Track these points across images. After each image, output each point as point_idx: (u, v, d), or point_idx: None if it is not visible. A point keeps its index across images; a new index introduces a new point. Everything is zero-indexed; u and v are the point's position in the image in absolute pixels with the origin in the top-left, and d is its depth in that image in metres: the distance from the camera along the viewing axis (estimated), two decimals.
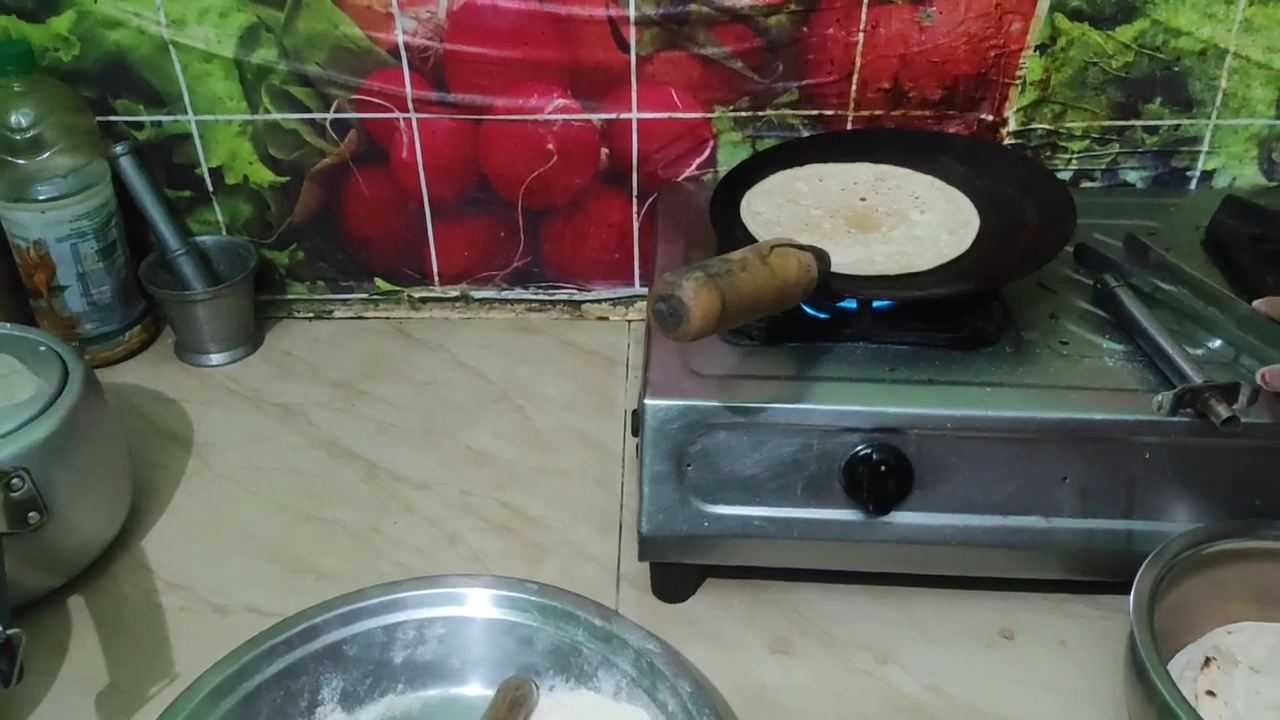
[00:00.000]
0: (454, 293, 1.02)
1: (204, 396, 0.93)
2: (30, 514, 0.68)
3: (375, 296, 1.02)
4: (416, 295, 1.02)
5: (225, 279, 0.97)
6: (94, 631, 0.72)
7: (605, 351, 0.98)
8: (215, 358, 0.97)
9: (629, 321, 1.02)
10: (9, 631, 0.55)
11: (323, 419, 0.91)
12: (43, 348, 0.75)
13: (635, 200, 0.96)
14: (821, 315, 0.74)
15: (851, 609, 0.73)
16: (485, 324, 1.02)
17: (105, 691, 0.68)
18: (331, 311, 1.03)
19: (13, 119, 0.84)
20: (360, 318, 1.03)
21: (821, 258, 0.65)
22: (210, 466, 0.86)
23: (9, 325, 0.77)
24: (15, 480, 0.67)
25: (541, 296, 1.02)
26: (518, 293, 1.02)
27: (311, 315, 1.03)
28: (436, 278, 1.01)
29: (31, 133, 0.85)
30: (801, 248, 0.63)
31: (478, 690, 0.67)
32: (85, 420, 0.73)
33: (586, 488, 0.84)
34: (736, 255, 0.60)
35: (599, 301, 1.02)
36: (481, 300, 1.02)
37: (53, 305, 0.91)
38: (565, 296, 1.02)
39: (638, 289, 1.01)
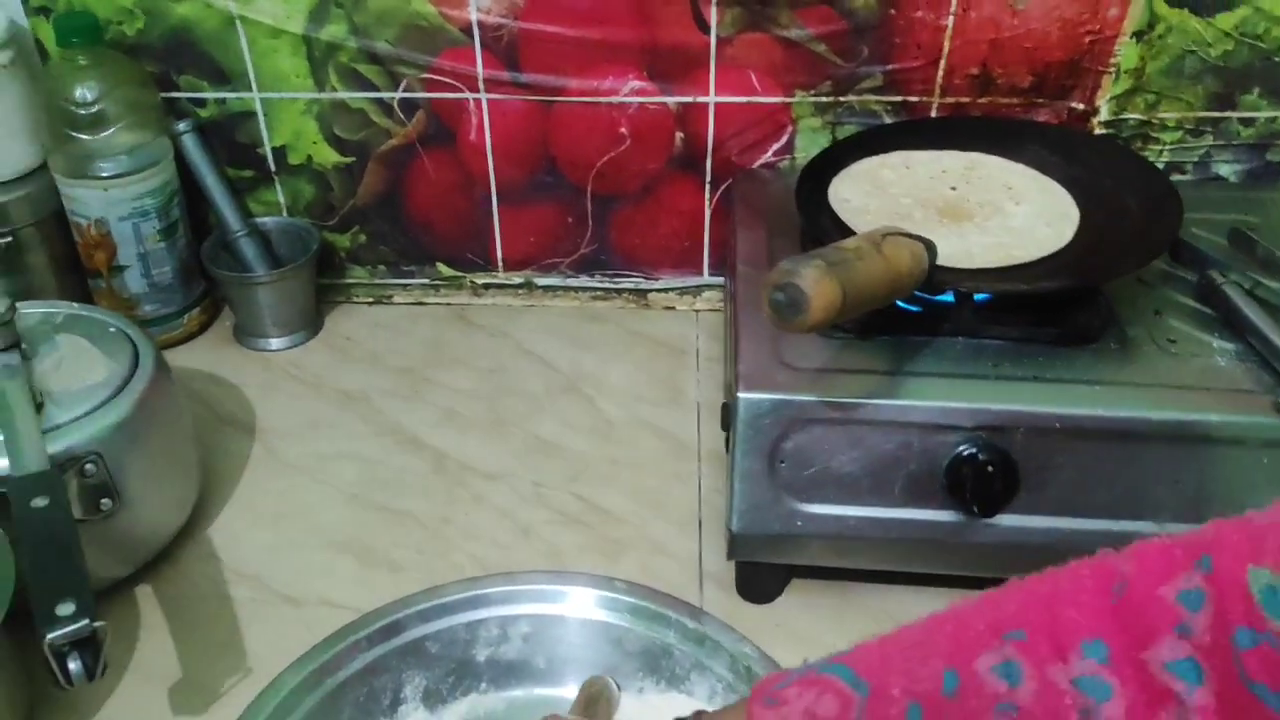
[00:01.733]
0: (518, 279, 0.99)
1: (265, 381, 0.91)
2: (103, 500, 0.66)
3: (437, 282, 1.00)
4: (479, 281, 1.00)
5: (285, 261, 0.95)
6: (164, 622, 0.70)
7: (674, 342, 0.96)
8: (275, 342, 0.94)
9: (696, 311, 1.00)
10: (95, 624, 0.53)
11: (387, 406, 0.88)
12: (112, 328, 0.73)
13: (708, 187, 0.93)
14: (914, 309, 0.71)
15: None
16: (548, 311, 1.00)
17: (178, 685, 0.66)
18: (391, 296, 1.01)
19: (77, 93, 0.82)
20: (420, 303, 1.01)
21: (930, 248, 0.63)
22: (275, 453, 0.84)
23: (77, 305, 0.75)
24: (89, 465, 0.65)
25: (607, 285, 1.00)
26: (583, 280, 0.99)
27: (371, 300, 1.01)
28: (500, 264, 0.99)
29: (95, 108, 0.83)
30: (912, 237, 0.61)
31: (564, 691, 0.64)
32: (156, 404, 0.71)
33: (663, 481, 0.81)
34: (850, 243, 0.57)
35: (666, 291, 1.00)
36: (545, 287, 1.00)
37: (112, 285, 0.89)
38: (631, 285, 0.99)
39: (706, 279, 0.98)
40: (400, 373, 0.92)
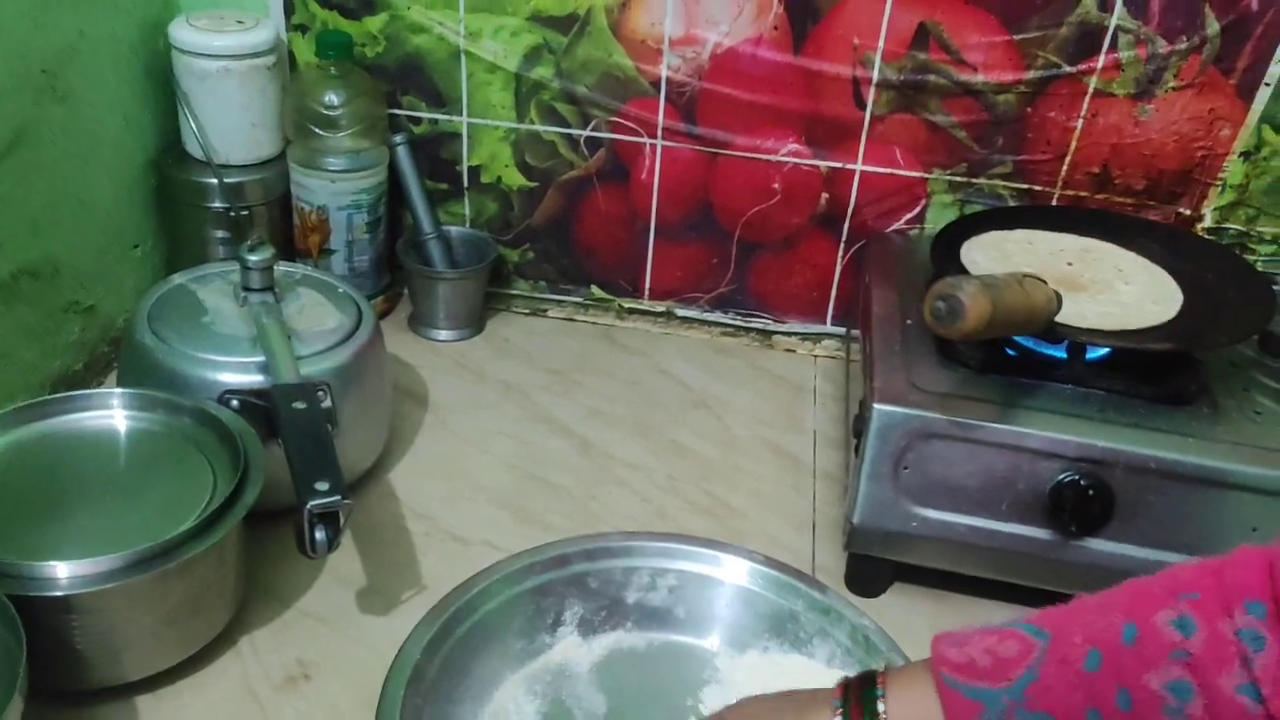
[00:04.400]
0: (660, 308, 1.12)
1: (435, 365, 1.03)
2: (328, 425, 0.77)
3: (588, 302, 1.12)
4: (625, 306, 1.12)
5: (464, 265, 1.08)
6: (352, 540, 0.81)
7: (794, 379, 1.07)
8: (444, 334, 1.07)
9: (815, 356, 1.10)
10: (345, 500, 0.64)
11: (540, 399, 1.00)
12: (340, 290, 0.86)
13: (843, 245, 1.05)
14: (1040, 349, 0.81)
15: None
16: (683, 340, 1.11)
17: (363, 590, 0.77)
18: (546, 311, 1.13)
19: (326, 97, 0.97)
20: (571, 320, 1.13)
21: (1059, 297, 0.73)
22: (444, 424, 0.95)
23: (314, 269, 0.88)
24: (320, 393, 0.76)
25: (738, 323, 1.11)
26: (717, 316, 1.11)
27: (528, 311, 1.13)
28: (647, 292, 1.11)
29: (337, 112, 0.97)
30: (1046, 284, 0.72)
31: (698, 640, 0.74)
32: (371, 356, 0.83)
33: (782, 491, 0.91)
34: (999, 275, 0.68)
35: (790, 335, 1.11)
36: (683, 318, 1.12)
37: (318, 266, 1.03)
38: (760, 325, 1.11)
39: (829, 328, 1.10)
40: (552, 373, 1.04)
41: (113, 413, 0.74)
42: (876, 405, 0.76)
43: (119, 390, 0.75)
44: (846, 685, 0.55)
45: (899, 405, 0.76)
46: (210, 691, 0.68)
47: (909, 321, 0.87)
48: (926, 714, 0.51)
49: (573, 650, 0.72)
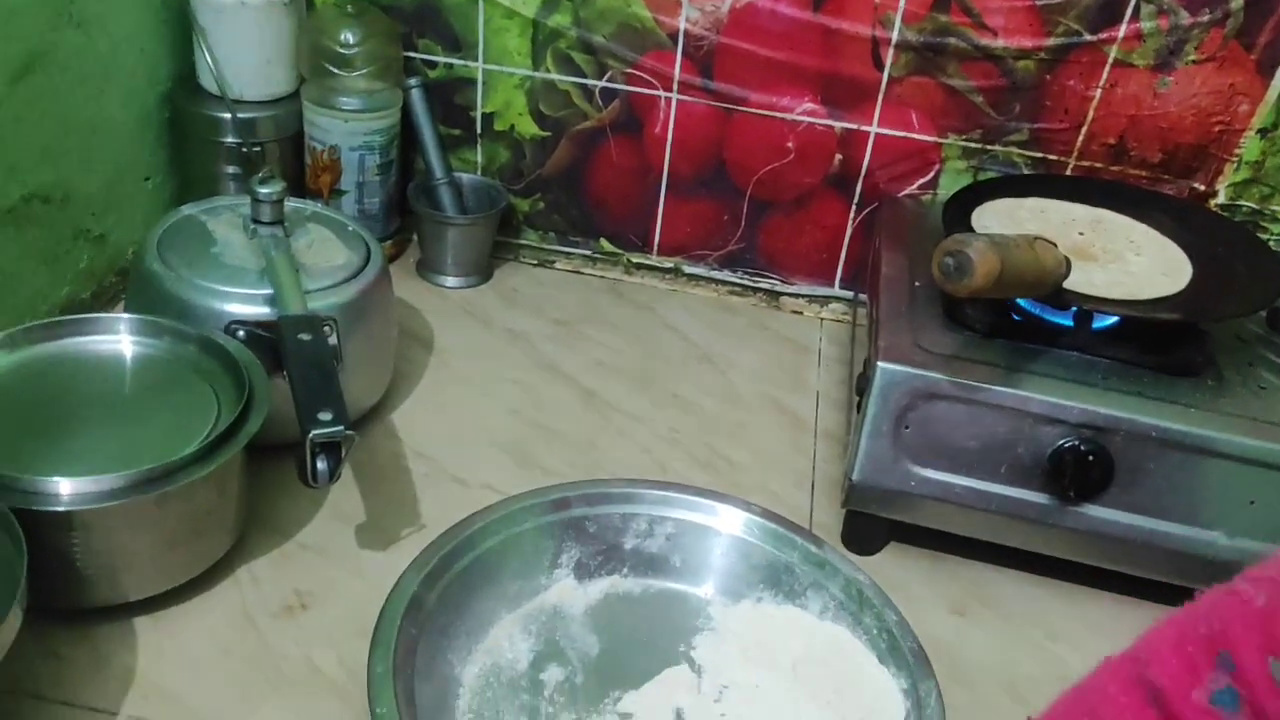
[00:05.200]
0: (668, 264, 1.11)
1: (441, 311, 1.03)
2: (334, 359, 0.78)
3: (596, 255, 1.12)
4: (633, 261, 1.12)
5: (474, 213, 1.07)
6: (352, 477, 0.81)
7: (799, 340, 1.07)
8: (452, 280, 1.07)
9: (821, 319, 1.10)
10: (347, 431, 0.64)
11: (545, 348, 1.00)
12: (350, 228, 0.86)
13: (855, 208, 1.05)
14: (1045, 316, 0.81)
15: (1024, 592, 0.80)
16: (690, 298, 1.11)
17: (363, 526, 0.77)
18: (554, 262, 1.13)
19: (342, 36, 0.96)
20: (578, 272, 1.13)
21: (1068, 262, 0.73)
22: (448, 367, 0.96)
23: (324, 205, 0.88)
24: (326, 328, 0.77)
25: (745, 282, 1.11)
26: (725, 274, 1.11)
27: (536, 262, 1.13)
28: (656, 247, 1.11)
29: (353, 51, 0.97)
30: (1056, 247, 0.71)
31: (691, 588, 0.74)
32: (378, 294, 0.83)
33: (782, 448, 0.92)
34: (1009, 234, 0.68)
35: (797, 296, 1.11)
36: (690, 275, 1.12)
37: (329, 208, 1.02)
38: (767, 286, 1.11)
39: (836, 290, 1.10)
40: (558, 323, 1.04)
41: (120, 338, 0.74)
42: (881, 363, 0.76)
43: (127, 315, 0.75)
44: None
45: (903, 364, 0.76)
46: (208, 617, 0.69)
47: (917, 284, 0.87)
48: None
49: (568, 593, 0.73)
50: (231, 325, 0.75)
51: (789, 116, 1.01)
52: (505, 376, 0.96)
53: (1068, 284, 0.79)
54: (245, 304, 0.76)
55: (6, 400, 0.68)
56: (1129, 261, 0.86)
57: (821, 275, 1.09)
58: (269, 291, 0.76)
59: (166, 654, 0.66)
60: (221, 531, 0.70)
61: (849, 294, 1.09)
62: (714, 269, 1.11)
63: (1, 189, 0.81)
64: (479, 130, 1.07)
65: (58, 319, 0.75)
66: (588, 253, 1.12)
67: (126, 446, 0.66)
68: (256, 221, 0.80)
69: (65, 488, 0.61)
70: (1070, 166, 0.99)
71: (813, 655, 0.70)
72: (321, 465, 0.65)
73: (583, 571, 0.74)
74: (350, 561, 0.74)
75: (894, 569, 0.81)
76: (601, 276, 1.13)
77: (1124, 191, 0.95)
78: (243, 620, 0.69)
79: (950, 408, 0.76)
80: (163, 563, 0.67)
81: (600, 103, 1.04)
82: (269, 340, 0.74)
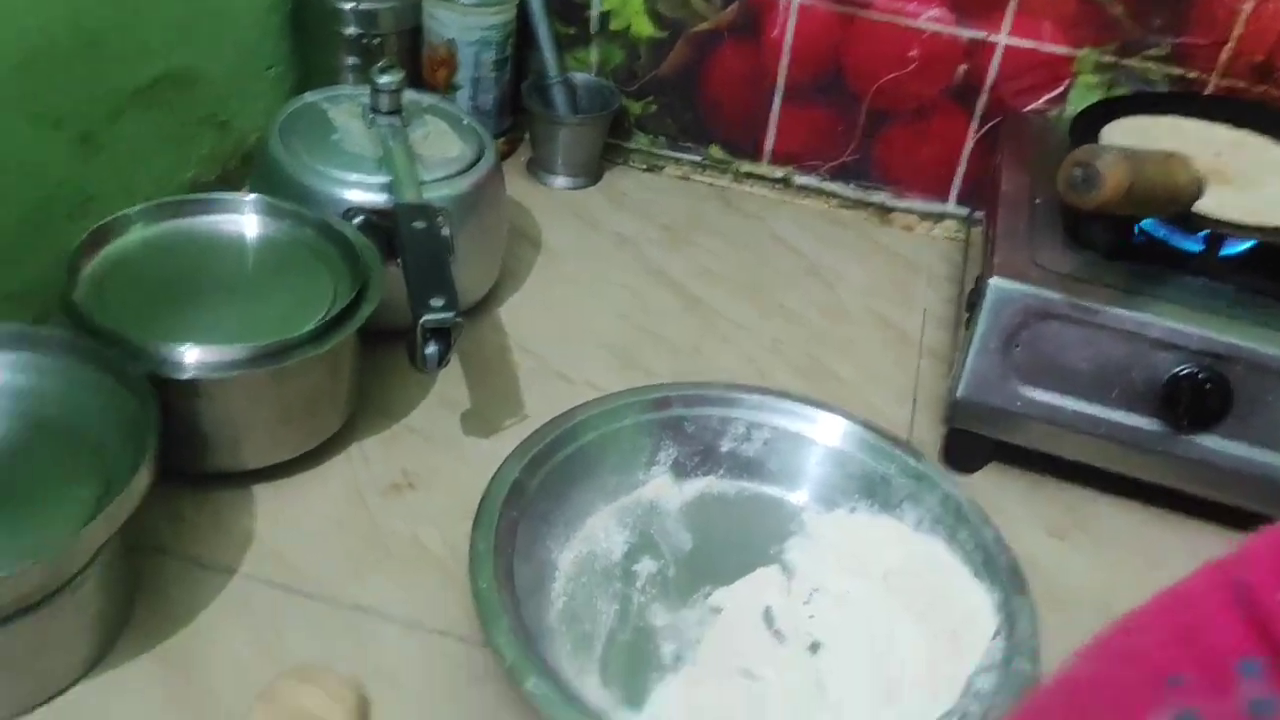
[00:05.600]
0: (779, 174, 1.10)
1: (550, 210, 1.04)
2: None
3: (705, 162, 1.11)
4: (743, 170, 1.10)
5: (585, 113, 1.07)
6: (459, 366, 0.83)
7: (909, 257, 1.05)
8: (561, 180, 1.07)
9: (933, 237, 1.08)
10: (457, 318, 0.66)
11: (652, 253, 1.00)
12: (465, 121, 0.87)
13: (976, 121, 1.01)
14: (1171, 241, 0.78)
15: (1126, 518, 0.79)
16: (799, 209, 1.10)
17: (467, 413, 0.79)
18: (663, 167, 1.12)
19: None
20: (687, 178, 1.12)
21: (1203, 183, 0.70)
22: (555, 267, 0.97)
23: (439, 98, 0.89)
24: (439, 219, 0.78)
25: (857, 195, 1.09)
26: (836, 186, 1.09)
27: (645, 167, 1.13)
28: (767, 155, 1.09)
29: None
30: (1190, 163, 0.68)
31: (785, 493, 0.75)
32: (489, 190, 0.84)
33: (886, 363, 0.91)
34: (1142, 149, 0.65)
35: (909, 212, 1.08)
36: (801, 186, 1.10)
37: None
38: (879, 200, 1.09)
39: (951, 207, 1.07)
40: (665, 229, 1.04)
41: (244, 218, 0.77)
42: (995, 279, 0.74)
43: (251, 196, 0.77)
44: None
45: (1019, 281, 0.74)
46: (322, 490, 0.72)
47: (1038, 201, 0.84)
48: None
49: (664, 490, 0.74)
50: (349, 211, 0.77)
51: (914, 23, 0.98)
52: (612, 279, 0.96)
53: (1197, 207, 0.76)
54: (362, 191, 0.78)
55: (139, 272, 0.71)
56: (1267, 186, 0.82)
57: (937, 191, 1.06)
58: (386, 179, 0.77)
59: (282, 522, 0.69)
60: (334, 410, 0.73)
61: (963, 212, 1.07)
62: (825, 180, 1.09)
63: (134, 69, 0.83)
64: (595, 29, 1.06)
65: (187, 196, 0.77)
66: (697, 159, 1.11)
67: (247, 322, 0.69)
68: (375, 111, 0.81)
69: (191, 356, 0.64)
70: (1211, 85, 0.94)
71: (905, 566, 0.70)
72: (431, 350, 0.67)
73: (679, 470, 0.75)
74: (455, 447, 0.76)
75: (993, 488, 0.80)
76: (710, 184, 1.12)
77: (1268, 113, 0.90)
78: (353, 496, 0.72)
79: (1064, 328, 0.74)
80: (279, 435, 0.70)
81: (718, 3, 1.02)
82: (384, 228, 0.76)
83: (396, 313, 0.72)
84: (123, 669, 0.59)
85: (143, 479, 0.56)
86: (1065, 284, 0.74)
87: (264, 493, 0.70)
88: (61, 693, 0.57)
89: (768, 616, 0.67)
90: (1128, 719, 0.39)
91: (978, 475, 0.81)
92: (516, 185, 1.06)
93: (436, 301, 0.66)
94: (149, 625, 0.61)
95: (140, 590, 0.63)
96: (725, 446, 0.76)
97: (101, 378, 0.61)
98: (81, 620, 0.57)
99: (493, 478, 0.66)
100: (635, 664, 0.63)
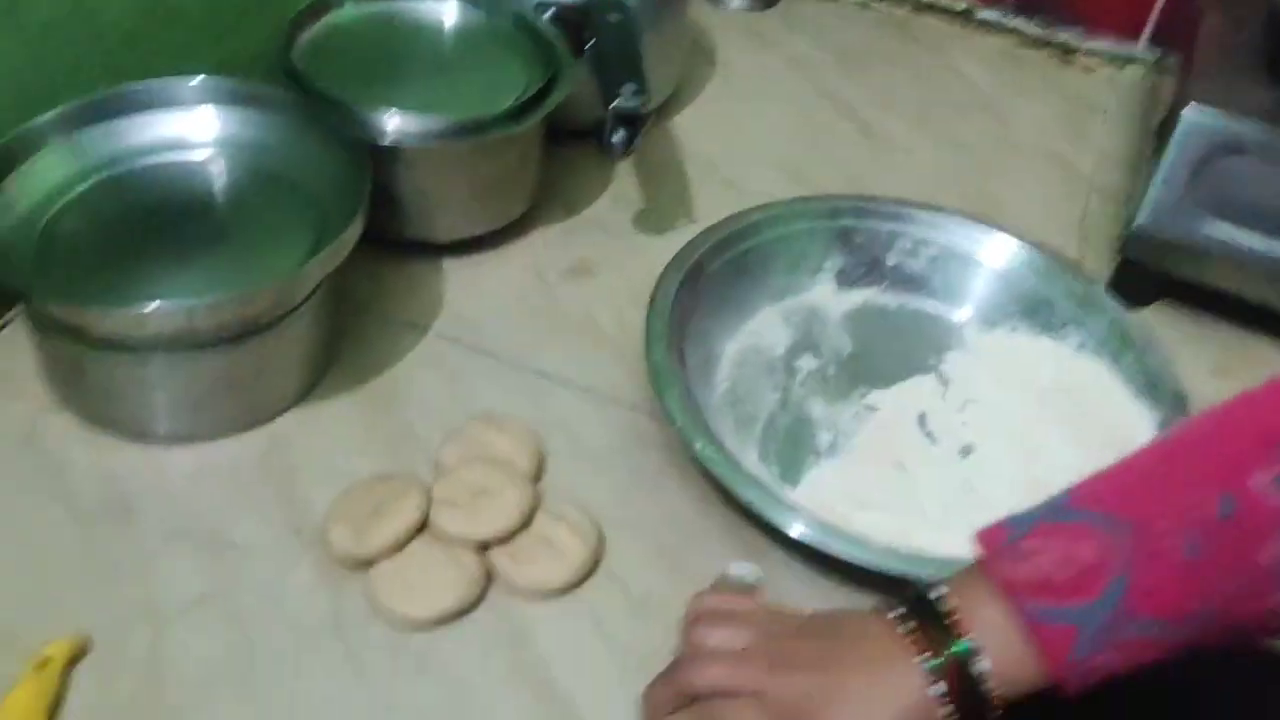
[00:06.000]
0: (960, 6, 1.07)
1: (727, 30, 1.04)
2: None
3: None
4: (925, 0, 1.08)
5: None
6: (634, 168, 0.86)
7: (1089, 98, 1.02)
8: (739, 1, 1.07)
9: (1114, 81, 1.04)
10: (648, 106, 0.68)
11: (827, 77, 1.00)
12: None
13: None
14: None
15: None
16: (979, 44, 1.07)
17: (642, 211, 0.82)
18: None
19: None
20: (866, 6, 1.10)
21: None
22: (730, 84, 0.98)
23: None
24: (615, 14, 0.79)
25: (1039, 33, 1.06)
26: (1019, 23, 1.06)
27: None
28: None
29: None
30: None
31: (948, 310, 0.76)
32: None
33: (1056, 198, 0.90)
34: None
35: (1093, 54, 1.05)
36: (981, 21, 1.07)
37: None
38: (1063, 40, 1.05)
39: (1140, 51, 1.03)
40: (841, 55, 1.03)
41: (444, 5, 0.80)
42: (1191, 106, 0.72)
43: None
44: (918, 630, 0.44)
45: (1215, 109, 0.72)
46: (506, 267, 0.76)
47: (1241, 35, 0.80)
48: (1019, 655, 0.42)
49: (828, 296, 0.76)
50: (539, 4, 0.79)
51: None
52: (785, 99, 0.97)
53: None
54: None
55: (350, 45, 0.75)
56: None
57: (1127, 32, 1.03)
58: None
59: (469, 291, 0.74)
60: (520, 193, 0.77)
61: (1149, 57, 1.03)
62: (1008, 15, 1.06)
63: None
64: None
65: None
66: None
67: (445, 99, 0.72)
68: None
69: (394, 123, 0.68)
70: None
71: (1064, 384, 0.71)
72: (619, 136, 0.69)
73: (844, 279, 0.77)
74: (630, 240, 0.80)
75: (1158, 324, 0.79)
76: (890, 14, 1.10)
77: None
78: (535, 275, 0.76)
79: (1262, 164, 0.72)
80: (470, 210, 0.74)
81: None
82: (574, 22, 0.78)
83: (580, 109, 0.75)
84: (328, 401, 0.65)
85: (355, 228, 0.61)
86: (1264, 116, 0.72)
87: (453, 265, 0.75)
88: (277, 415, 0.64)
89: (922, 420, 0.70)
90: (1235, 473, 0.42)
91: (1144, 311, 0.81)
92: (696, 4, 1.06)
93: (628, 88, 0.68)
94: (352, 368, 0.67)
95: (344, 338, 0.69)
96: (891, 260, 0.77)
97: (318, 136, 0.66)
98: (297, 350, 0.63)
99: (669, 263, 0.69)
100: (793, 446, 0.67)
